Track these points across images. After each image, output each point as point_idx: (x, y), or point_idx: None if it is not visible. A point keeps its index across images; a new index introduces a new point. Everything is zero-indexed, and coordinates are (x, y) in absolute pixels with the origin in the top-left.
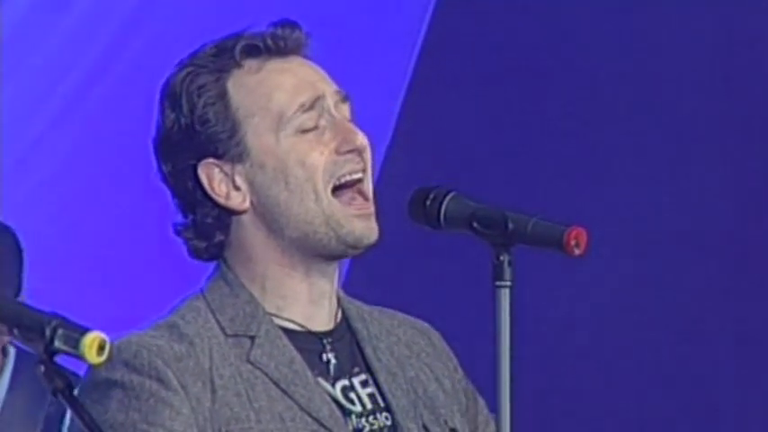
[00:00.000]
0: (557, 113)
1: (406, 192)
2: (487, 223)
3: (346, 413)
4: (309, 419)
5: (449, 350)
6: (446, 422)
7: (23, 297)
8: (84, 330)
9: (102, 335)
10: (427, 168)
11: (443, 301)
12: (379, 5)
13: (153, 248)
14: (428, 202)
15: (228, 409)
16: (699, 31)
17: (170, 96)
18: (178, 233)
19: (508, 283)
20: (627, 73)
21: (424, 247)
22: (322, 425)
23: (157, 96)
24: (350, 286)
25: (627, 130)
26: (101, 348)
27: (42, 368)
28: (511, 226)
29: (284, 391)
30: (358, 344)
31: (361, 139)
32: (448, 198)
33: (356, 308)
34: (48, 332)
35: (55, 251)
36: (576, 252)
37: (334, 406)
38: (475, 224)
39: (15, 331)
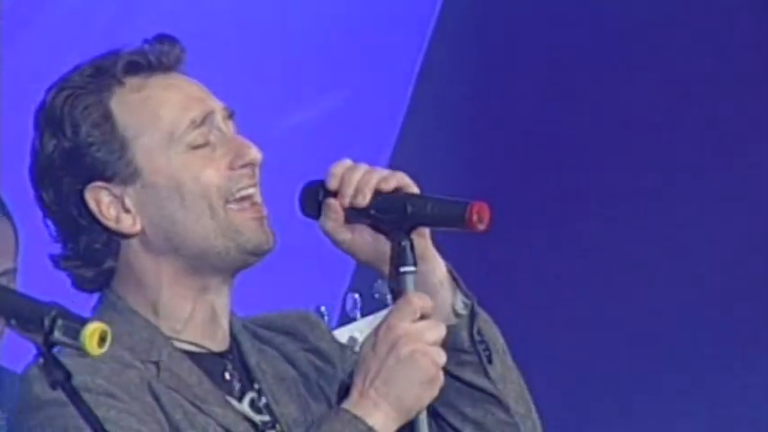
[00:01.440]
0: (562, 110)
1: None
2: (386, 208)
3: (258, 429)
4: None
5: (326, 331)
6: None
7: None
8: (85, 321)
9: (104, 325)
10: (433, 170)
11: None
12: (386, 5)
13: None
14: (320, 198)
15: (172, 417)
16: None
17: (49, 121)
18: (58, 265)
19: (413, 269)
20: (642, 71)
21: None
22: None
23: (32, 122)
24: (359, 282)
25: (640, 132)
26: (102, 339)
27: (41, 360)
28: (410, 209)
29: (200, 409)
30: (248, 360)
31: (255, 153)
32: None
33: (239, 322)
34: (47, 323)
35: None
36: (480, 227)
37: (247, 423)
38: (373, 211)
39: (13, 322)
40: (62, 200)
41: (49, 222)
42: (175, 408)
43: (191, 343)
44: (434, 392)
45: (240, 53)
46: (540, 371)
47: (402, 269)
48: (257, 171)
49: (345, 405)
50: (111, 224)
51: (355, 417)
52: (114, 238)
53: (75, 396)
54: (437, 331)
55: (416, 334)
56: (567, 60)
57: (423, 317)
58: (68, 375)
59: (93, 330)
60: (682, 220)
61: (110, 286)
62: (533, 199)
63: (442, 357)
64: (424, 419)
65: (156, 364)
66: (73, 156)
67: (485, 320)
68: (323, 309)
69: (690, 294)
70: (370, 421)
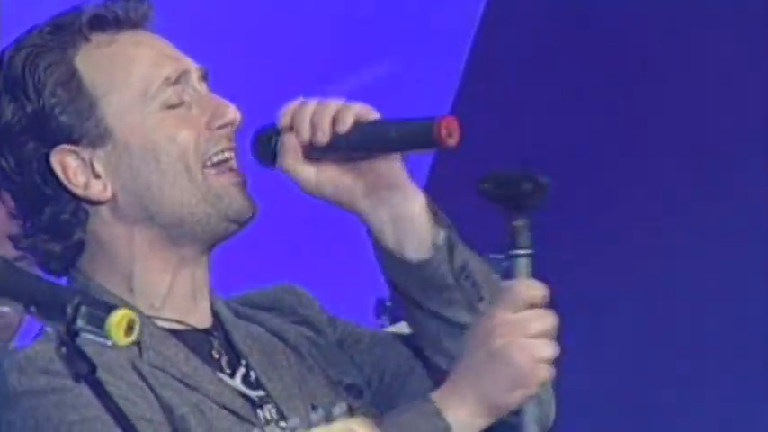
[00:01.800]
0: (624, 80)
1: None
2: (354, 141)
3: (255, 404)
4: (225, 412)
5: (313, 301)
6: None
7: None
8: (110, 308)
9: (131, 313)
10: (488, 140)
11: None
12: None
13: None
14: (274, 141)
15: (162, 395)
16: None
17: (8, 84)
18: (20, 245)
19: (527, 252)
20: (690, 60)
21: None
22: (239, 416)
23: None
24: None
25: (690, 118)
26: (129, 328)
27: (64, 350)
28: (393, 133)
29: (191, 387)
30: (231, 336)
31: (233, 113)
32: None
33: (220, 300)
34: (69, 310)
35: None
36: (450, 142)
37: (242, 399)
38: (341, 144)
39: (33, 309)
40: (24, 167)
41: (10, 195)
42: (163, 387)
43: (172, 320)
44: (530, 390)
45: (289, 20)
46: None
47: (513, 251)
48: (234, 134)
49: (435, 394)
50: (80, 191)
51: (437, 412)
52: (83, 207)
53: (98, 388)
54: (544, 322)
55: (518, 325)
56: (633, 27)
57: (532, 306)
58: (93, 367)
59: (120, 318)
60: (684, 218)
61: (76, 266)
62: (588, 170)
63: (545, 351)
64: (530, 418)
65: (138, 344)
66: (36, 119)
67: (462, 251)
68: (389, 303)
69: (691, 293)
70: (452, 417)
